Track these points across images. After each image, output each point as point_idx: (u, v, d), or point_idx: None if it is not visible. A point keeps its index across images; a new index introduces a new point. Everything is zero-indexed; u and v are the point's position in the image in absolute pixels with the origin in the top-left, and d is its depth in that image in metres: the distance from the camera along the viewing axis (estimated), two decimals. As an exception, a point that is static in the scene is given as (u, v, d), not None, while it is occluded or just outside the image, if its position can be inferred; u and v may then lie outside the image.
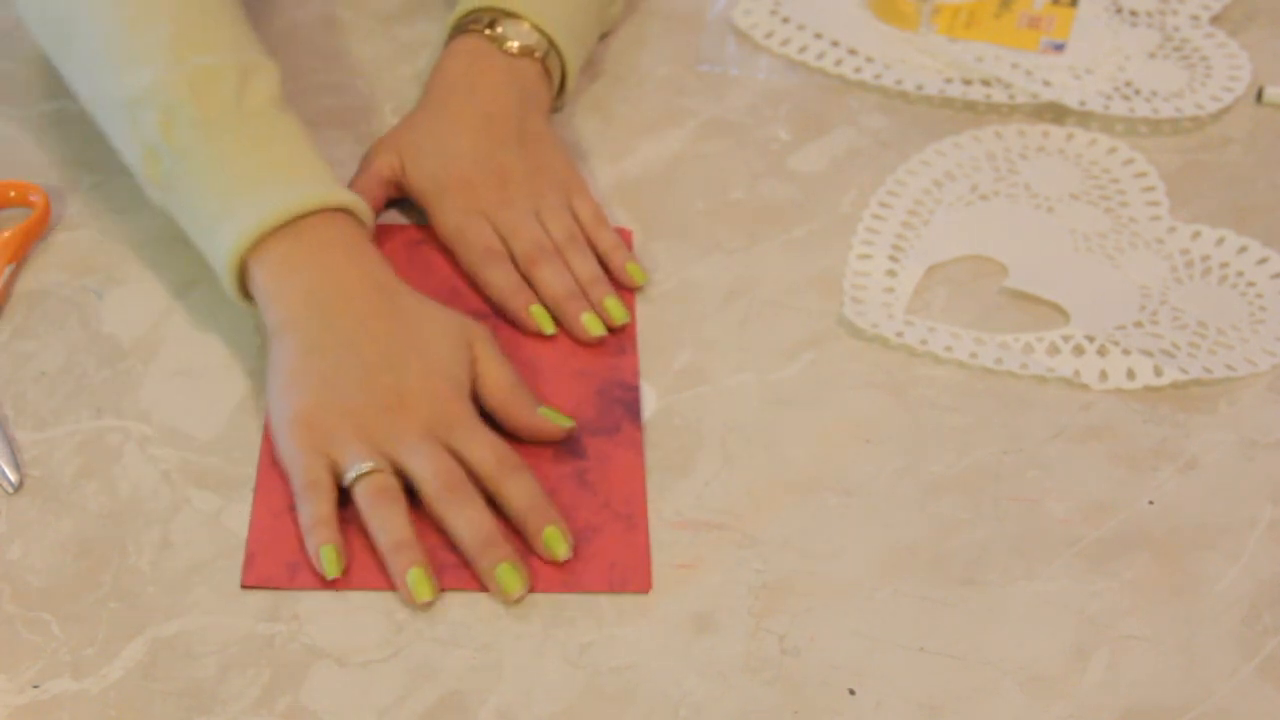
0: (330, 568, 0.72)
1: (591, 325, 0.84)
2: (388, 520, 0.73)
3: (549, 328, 0.84)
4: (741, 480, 0.78)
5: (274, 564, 0.72)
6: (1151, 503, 0.77)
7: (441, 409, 0.76)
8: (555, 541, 0.73)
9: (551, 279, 0.85)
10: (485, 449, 0.75)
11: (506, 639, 0.71)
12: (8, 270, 0.85)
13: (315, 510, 0.73)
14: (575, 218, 0.89)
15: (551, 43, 0.93)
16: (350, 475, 0.74)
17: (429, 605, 0.72)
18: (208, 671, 0.69)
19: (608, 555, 0.73)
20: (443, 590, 0.72)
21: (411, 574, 0.72)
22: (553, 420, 0.78)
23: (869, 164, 0.95)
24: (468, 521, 0.73)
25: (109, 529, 0.74)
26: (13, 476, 0.76)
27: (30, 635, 0.70)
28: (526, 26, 0.92)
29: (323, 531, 0.73)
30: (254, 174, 0.80)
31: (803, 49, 1.04)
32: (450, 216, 0.87)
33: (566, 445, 0.78)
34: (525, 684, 0.69)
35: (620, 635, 0.71)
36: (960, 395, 0.82)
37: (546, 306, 0.85)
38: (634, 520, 0.75)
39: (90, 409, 0.79)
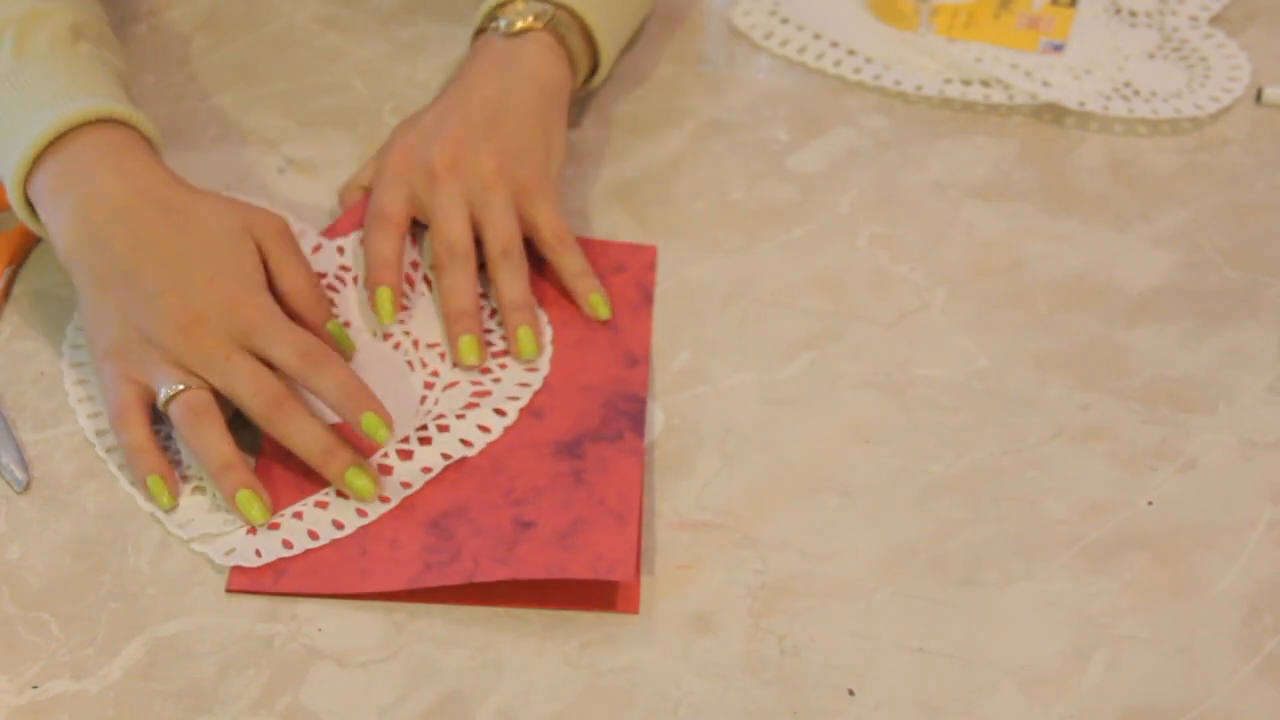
0: (162, 499, 0.72)
1: (466, 351, 0.79)
2: (207, 441, 0.72)
3: (386, 317, 0.79)
4: (741, 480, 0.78)
5: (261, 569, 0.72)
6: (1151, 503, 0.77)
7: (236, 313, 0.74)
8: (374, 427, 0.73)
9: (449, 290, 0.81)
10: (286, 347, 0.74)
11: (506, 639, 0.71)
12: (7, 271, 0.85)
13: (130, 439, 0.73)
14: (533, 228, 0.84)
15: (571, 11, 0.89)
16: (162, 398, 0.73)
17: (265, 524, 0.72)
18: (207, 672, 0.69)
19: (594, 547, 0.72)
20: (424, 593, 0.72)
21: (241, 496, 0.72)
22: (340, 342, 0.78)
23: (868, 164, 0.95)
24: (301, 434, 0.73)
25: (108, 529, 0.74)
26: (20, 475, 0.75)
27: (30, 635, 0.70)
28: (534, 2, 0.88)
29: (144, 460, 0.73)
30: (25, 111, 0.78)
31: (802, 49, 1.04)
32: (380, 187, 0.83)
33: (566, 447, 0.78)
34: (525, 684, 0.69)
35: (620, 635, 0.71)
36: (960, 395, 0.82)
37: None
38: (626, 518, 0.74)
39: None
